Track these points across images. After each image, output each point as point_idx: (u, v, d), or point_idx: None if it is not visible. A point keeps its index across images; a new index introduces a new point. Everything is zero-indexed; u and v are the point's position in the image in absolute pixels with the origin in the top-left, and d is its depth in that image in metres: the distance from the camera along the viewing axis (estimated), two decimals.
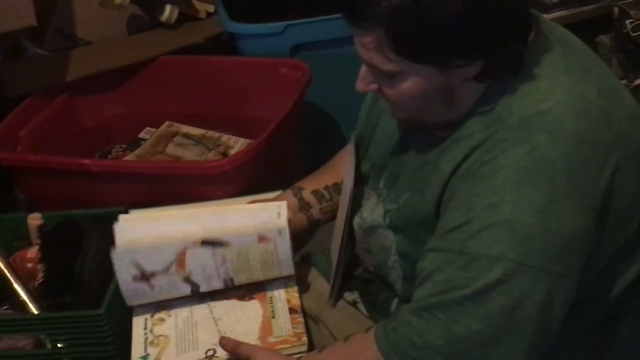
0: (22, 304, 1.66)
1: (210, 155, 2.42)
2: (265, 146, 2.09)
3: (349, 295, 1.49)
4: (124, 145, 2.53)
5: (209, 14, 2.63)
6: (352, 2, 1.13)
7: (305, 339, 1.37)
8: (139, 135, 2.56)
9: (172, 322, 1.41)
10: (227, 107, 2.56)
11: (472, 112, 1.20)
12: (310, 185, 1.56)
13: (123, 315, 1.46)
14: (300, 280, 1.49)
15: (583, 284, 1.18)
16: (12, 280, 1.68)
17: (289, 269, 1.42)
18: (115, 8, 2.42)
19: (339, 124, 2.55)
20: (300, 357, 1.33)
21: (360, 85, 1.24)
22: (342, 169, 1.52)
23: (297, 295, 1.44)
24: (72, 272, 1.71)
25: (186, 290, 1.41)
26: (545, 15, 1.26)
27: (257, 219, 1.41)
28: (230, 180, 2.04)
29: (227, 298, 1.43)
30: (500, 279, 1.11)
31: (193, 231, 1.39)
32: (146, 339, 1.39)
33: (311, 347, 1.38)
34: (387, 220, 1.34)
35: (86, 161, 2.15)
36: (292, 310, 1.41)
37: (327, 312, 1.48)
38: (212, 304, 1.43)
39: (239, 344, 1.34)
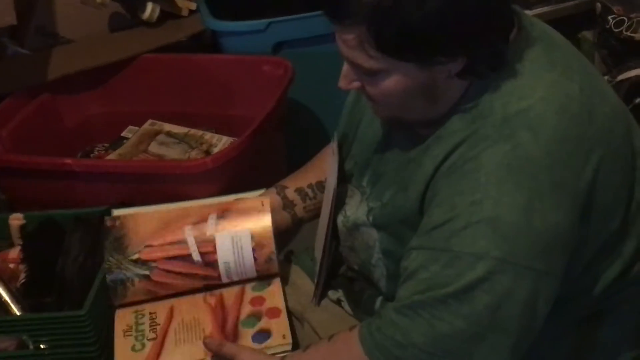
0: (4, 305, 1.65)
1: (193, 154, 2.41)
2: (248, 144, 2.09)
3: (333, 294, 1.48)
4: (106, 145, 2.51)
5: (190, 12, 2.61)
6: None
7: (289, 338, 1.37)
8: (122, 134, 2.55)
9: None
10: (209, 105, 2.55)
11: (454, 110, 1.19)
12: (293, 184, 1.56)
13: (105, 315, 1.46)
14: (283, 279, 1.49)
15: (567, 280, 1.18)
16: None
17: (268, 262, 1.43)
18: (97, 6, 2.41)
19: (322, 122, 2.55)
20: (284, 356, 1.33)
21: (342, 83, 1.23)
22: (325, 167, 1.52)
23: (280, 297, 1.44)
24: (54, 273, 1.70)
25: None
26: (527, 12, 1.26)
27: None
28: (214, 178, 2.04)
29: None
30: (484, 276, 1.11)
31: None
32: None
33: (295, 346, 1.38)
34: (371, 218, 1.34)
35: (68, 161, 2.13)
36: (271, 313, 1.41)
37: (311, 310, 1.48)
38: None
39: (222, 343, 1.34)
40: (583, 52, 1.30)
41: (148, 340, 1.40)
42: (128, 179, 2.10)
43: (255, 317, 1.42)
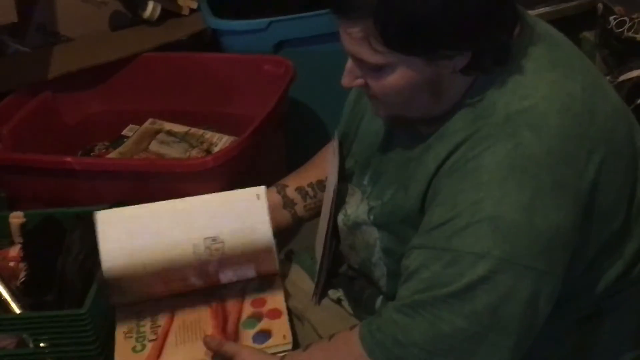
0: (4, 303, 1.64)
1: (194, 153, 2.41)
2: (249, 143, 2.08)
3: (334, 293, 1.48)
4: (106, 143, 2.51)
5: (191, 11, 2.61)
6: None
7: (289, 338, 1.37)
8: (122, 133, 2.54)
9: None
10: (210, 104, 2.54)
11: (457, 106, 1.19)
12: (294, 183, 1.55)
13: (106, 314, 1.45)
14: (284, 278, 1.49)
15: (568, 280, 1.18)
16: None
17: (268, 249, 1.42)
18: (98, 5, 2.42)
19: (322, 121, 2.54)
20: (285, 355, 1.33)
21: (346, 80, 1.23)
22: (326, 165, 1.52)
23: (281, 298, 1.44)
24: (54, 271, 1.70)
25: None
26: (529, 11, 1.26)
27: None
28: (214, 177, 2.03)
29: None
30: (485, 275, 1.11)
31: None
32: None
33: (296, 345, 1.38)
34: (371, 217, 1.34)
35: (69, 159, 2.13)
36: (272, 314, 1.41)
37: (312, 310, 1.48)
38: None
39: (223, 342, 1.34)
40: (584, 52, 1.30)
41: (149, 341, 1.40)
42: (128, 178, 2.10)
43: (256, 318, 1.42)
